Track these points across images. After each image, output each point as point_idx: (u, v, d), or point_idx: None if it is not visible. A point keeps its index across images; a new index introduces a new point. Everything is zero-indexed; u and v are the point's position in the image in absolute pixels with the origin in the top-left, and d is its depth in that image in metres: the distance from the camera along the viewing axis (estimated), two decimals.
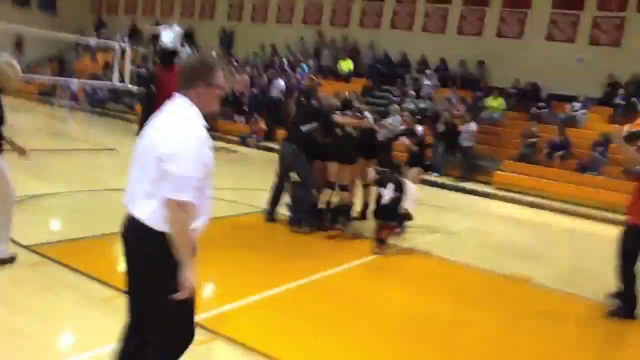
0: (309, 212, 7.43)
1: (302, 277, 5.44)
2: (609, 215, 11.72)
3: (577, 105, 15.89)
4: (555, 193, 13.34)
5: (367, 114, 8.24)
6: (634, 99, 15.13)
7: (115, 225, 2.73)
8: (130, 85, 17.57)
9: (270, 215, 7.65)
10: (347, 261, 6.25)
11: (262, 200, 7.86)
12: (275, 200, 7.67)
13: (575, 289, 6.40)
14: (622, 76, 16.23)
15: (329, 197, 7.79)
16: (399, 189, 6.90)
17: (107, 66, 22.26)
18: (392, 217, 6.95)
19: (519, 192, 13.53)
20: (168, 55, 14.81)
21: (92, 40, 22.64)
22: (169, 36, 14.63)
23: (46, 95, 23.48)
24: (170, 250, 2.50)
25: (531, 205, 12.43)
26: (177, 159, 2.45)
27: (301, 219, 7.28)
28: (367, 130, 8.00)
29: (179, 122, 2.55)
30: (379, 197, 6.95)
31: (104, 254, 5.45)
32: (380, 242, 6.80)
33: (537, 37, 17.70)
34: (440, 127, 14.87)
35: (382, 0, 20.63)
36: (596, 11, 16.96)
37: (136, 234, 2.60)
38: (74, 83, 22.12)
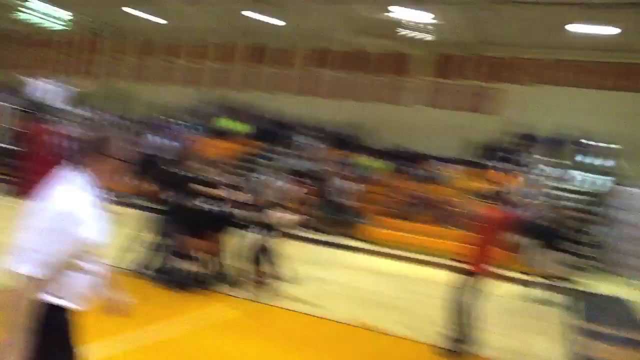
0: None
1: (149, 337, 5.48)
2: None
3: (436, 163, 17.30)
4: (416, 246, 14.22)
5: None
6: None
7: None
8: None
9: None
10: (201, 318, 6.39)
11: None
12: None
13: (415, 332, 6.94)
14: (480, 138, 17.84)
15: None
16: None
17: None
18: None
19: (386, 246, 14.29)
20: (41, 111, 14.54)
21: None
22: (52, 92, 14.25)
23: None
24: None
25: (397, 257, 13.25)
26: (35, 232, 2.47)
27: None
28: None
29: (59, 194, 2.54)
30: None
31: None
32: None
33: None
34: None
35: (260, 62, 21.22)
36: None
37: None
38: None
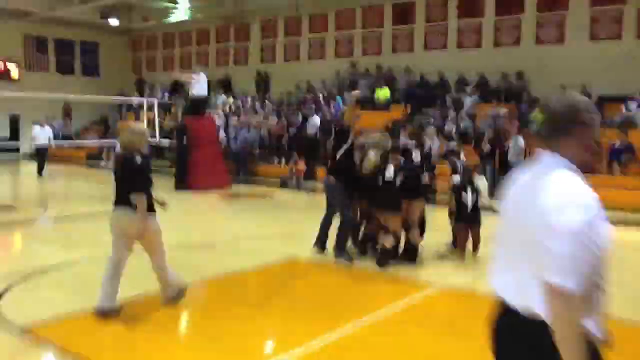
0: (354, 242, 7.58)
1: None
2: None
3: (632, 104, 14.73)
4: (622, 203, 12.22)
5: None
6: None
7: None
8: (159, 139, 17.57)
9: (321, 249, 7.61)
10: (387, 307, 5.60)
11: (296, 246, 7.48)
12: (321, 235, 7.59)
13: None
14: None
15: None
16: (476, 190, 7.60)
17: (149, 123, 22.62)
18: (477, 219, 7.55)
19: None
20: (197, 104, 14.77)
21: (135, 99, 23.07)
22: (196, 83, 14.53)
23: (94, 159, 24.04)
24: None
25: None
26: (562, 235, 1.87)
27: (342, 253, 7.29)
28: (410, 173, 7.39)
29: (562, 187, 1.97)
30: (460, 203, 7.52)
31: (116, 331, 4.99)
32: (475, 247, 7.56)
33: (579, 39, 16.68)
34: (486, 147, 14.01)
35: (412, 23, 20.11)
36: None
37: (511, 326, 2.07)
38: (118, 144, 22.50)
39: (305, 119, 17.91)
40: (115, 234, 5.15)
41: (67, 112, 27.50)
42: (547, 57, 17.01)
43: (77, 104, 26.78)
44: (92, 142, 23.00)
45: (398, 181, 7.08)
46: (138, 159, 5.07)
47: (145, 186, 5.06)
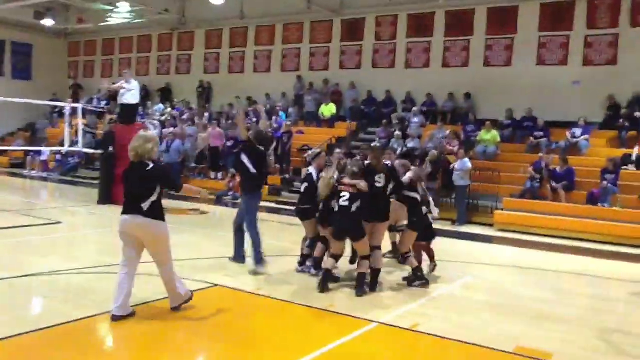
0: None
1: None
2: (626, 250, 10.58)
3: (577, 131, 14.60)
4: (563, 230, 11.92)
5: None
6: None
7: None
8: (81, 148, 16.33)
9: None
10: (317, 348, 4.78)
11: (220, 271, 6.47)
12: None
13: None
14: (622, 96, 15.04)
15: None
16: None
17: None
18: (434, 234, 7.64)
19: (523, 233, 12.12)
20: (127, 112, 13.69)
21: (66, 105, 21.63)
22: (127, 91, 13.46)
23: (18, 167, 22.43)
24: None
25: (537, 246, 10.92)
26: None
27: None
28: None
29: None
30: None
31: None
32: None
33: (527, 63, 16.58)
34: (427, 167, 13.49)
35: (360, 40, 19.67)
36: (587, 30, 15.88)
37: None
38: (45, 152, 21.05)
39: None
40: (124, 241, 5.29)
41: None
42: (495, 80, 16.83)
43: (3, 108, 25.02)
44: (12, 148, 21.33)
45: (354, 207, 6.46)
46: (150, 166, 5.18)
47: (154, 190, 5.17)
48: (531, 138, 15.00)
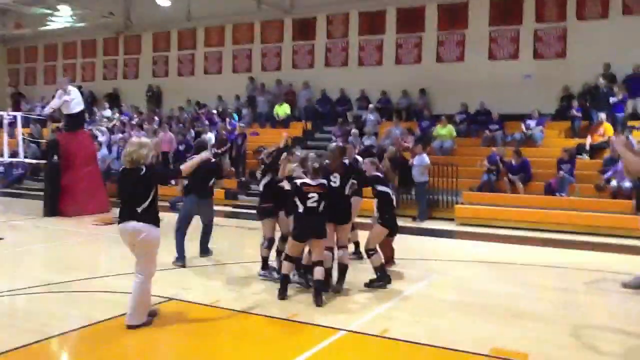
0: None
1: None
2: (585, 238, 10.60)
3: (531, 122, 14.71)
4: (524, 221, 11.93)
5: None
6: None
7: None
8: (23, 159, 15.52)
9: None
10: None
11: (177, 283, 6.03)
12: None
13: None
14: (573, 88, 15.25)
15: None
16: None
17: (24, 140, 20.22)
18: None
19: (484, 226, 12.07)
20: (73, 120, 13.02)
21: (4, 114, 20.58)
22: (69, 102, 12.74)
23: None
24: None
25: (499, 239, 10.87)
26: None
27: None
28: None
29: None
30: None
31: None
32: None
33: (479, 58, 16.64)
34: (386, 164, 13.32)
35: (312, 39, 19.40)
36: (536, 24, 16.04)
37: None
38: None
39: (198, 135, 16.53)
40: (128, 247, 5.42)
41: None
42: (448, 75, 16.85)
43: None
44: None
45: (321, 207, 6.24)
46: (143, 170, 5.24)
47: (149, 194, 5.26)
48: (486, 131, 15.04)
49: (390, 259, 7.68)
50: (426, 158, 13.19)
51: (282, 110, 18.72)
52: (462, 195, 13.22)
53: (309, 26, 19.44)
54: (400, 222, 12.34)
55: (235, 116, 18.33)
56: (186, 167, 5.80)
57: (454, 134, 15.25)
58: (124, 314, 5.33)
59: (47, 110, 14.26)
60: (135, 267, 5.34)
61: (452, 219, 12.80)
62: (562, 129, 14.90)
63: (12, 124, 22.41)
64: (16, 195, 17.89)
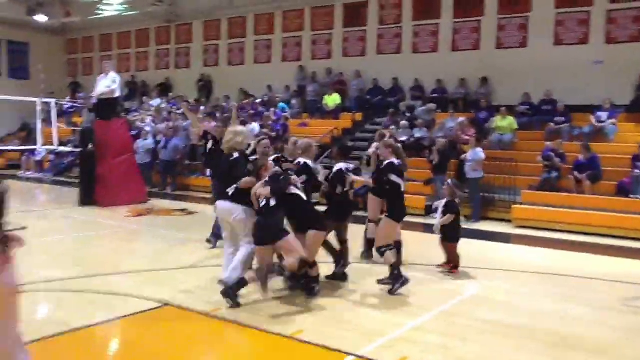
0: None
1: None
2: None
3: (602, 115, 13.20)
4: (591, 226, 10.58)
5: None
6: None
7: None
8: (59, 147, 15.36)
9: None
10: None
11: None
12: None
13: None
14: None
15: None
16: None
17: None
18: None
19: (545, 229, 10.81)
20: (104, 106, 12.64)
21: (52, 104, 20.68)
22: (104, 85, 12.41)
23: (14, 168, 21.62)
24: None
25: (562, 245, 9.60)
26: None
27: None
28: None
29: None
30: None
31: None
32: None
33: (543, 43, 15.18)
34: (435, 158, 12.25)
35: (364, 25, 18.40)
36: (609, 4, 14.44)
37: None
38: (40, 152, 20.17)
39: (243, 125, 15.87)
40: (222, 224, 6.12)
41: None
42: (509, 62, 15.48)
43: (1, 108, 24.31)
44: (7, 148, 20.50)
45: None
46: (236, 155, 5.76)
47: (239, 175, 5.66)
48: (551, 124, 13.64)
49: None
50: (481, 152, 12.00)
51: (332, 100, 17.86)
52: (521, 195, 11.96)
53: (360, 12, 18.44)
54: None
55: (283, 106, 17.62)
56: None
57: (515, 126, 13.93)
58: (107, 321, 4.63)
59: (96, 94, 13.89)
60: (240, 241, 5.75)
61: (508, 221, 11.59)
62: (638, 121, 13.30)
63: (69, 113, 22.78)
64: (64, 184, 17.92)
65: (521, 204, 11.78)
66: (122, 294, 5.80)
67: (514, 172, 12.44)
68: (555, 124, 13.59)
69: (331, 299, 5.81)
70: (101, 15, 22.61)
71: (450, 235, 6.80)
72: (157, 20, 23.20)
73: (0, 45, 25.95)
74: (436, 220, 7.36)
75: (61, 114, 22.99)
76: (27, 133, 23.53)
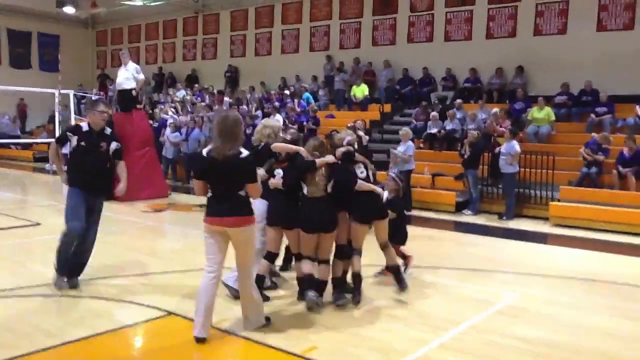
0: None
1: None
2: None
3: None
4: (636, 225, 9.83)
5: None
6: None
7: None
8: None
9: None
10: None
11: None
12: None
13: None
14: None
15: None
16: None
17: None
18: None
19: (585, 229, 10.09)
20: (124, 98, 12.35)
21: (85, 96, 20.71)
22: (123, 75, 12.13)
23: (42, 161, 21.64)
24: None
25: (605, 247, 8.90)
26: None
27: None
28: None
29: None
30: None
31: None
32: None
33: (584, 29, 14.31)
34: (465, 151, 11.62)
35: (394, 13, 17.75)
36: None
37: None
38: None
39: (267, 116, 15.47)
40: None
41: (21, 110, 25.12)
42: (547, 51, 14.67)
43: (33, 101, 24.51)
44: (35, 140, 20.53)
45: None
46: (260, 147, 5.52)
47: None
48: (592, 115, 12.84)
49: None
50: (516, 145, 11.30)
51: (360, 91, 17.31)
52: (559, 191, 11.23)
53: None
54: (483, 221, 10.83)
55: (308, 96, 17.15)
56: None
57: (553, 117, 13.16)
58: (93, 335, 4.23)
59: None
60: None
61: (545, 219, 10.89)
62: None
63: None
64: None
65: (559, 200, 11.07)
66: (121, 300, 5.44)
67: (551, 167, 11.68)
68: (597, 115, 12.78)
69: (346, 311, 5.30)
70: (127, 6, 22.44)
71: (392, 235, 6.01)
72: (184, 11, 22.99)
73: (32, 37, 26.12)
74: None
75: (94, 105, 22.94)
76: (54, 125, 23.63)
